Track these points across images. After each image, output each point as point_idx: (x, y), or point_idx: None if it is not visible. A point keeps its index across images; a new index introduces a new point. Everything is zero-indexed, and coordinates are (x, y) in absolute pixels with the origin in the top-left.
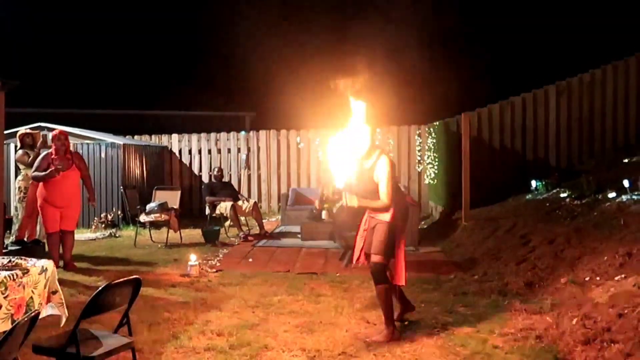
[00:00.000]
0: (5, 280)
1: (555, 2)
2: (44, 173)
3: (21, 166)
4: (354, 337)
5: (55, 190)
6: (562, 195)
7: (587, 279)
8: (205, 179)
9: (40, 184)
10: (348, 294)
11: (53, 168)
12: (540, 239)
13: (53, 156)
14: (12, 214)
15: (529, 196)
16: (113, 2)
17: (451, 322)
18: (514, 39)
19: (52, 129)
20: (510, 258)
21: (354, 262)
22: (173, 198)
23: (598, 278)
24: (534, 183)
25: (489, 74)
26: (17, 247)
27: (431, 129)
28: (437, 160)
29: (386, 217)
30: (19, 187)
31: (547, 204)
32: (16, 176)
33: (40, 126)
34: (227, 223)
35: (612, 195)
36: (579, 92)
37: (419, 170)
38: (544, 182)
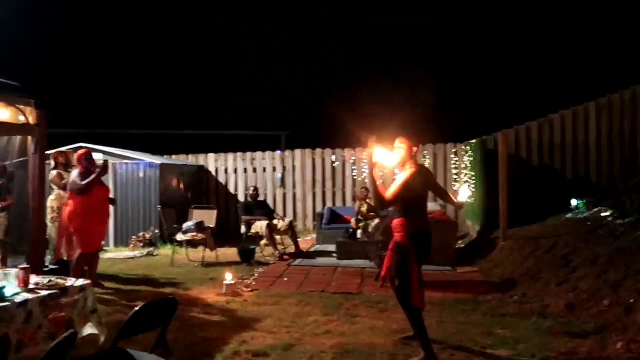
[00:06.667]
0: (45, 300)
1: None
2: (92, 176)
3: (54, 186)
4: (390, 359)
5: (101, 207)
6: (604, 214)
7: (631, 301)
8: (240, 197)
9: (83, 202)
10: (384, 315)
11: (96, 172)
12: (582, 259)
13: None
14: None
15: (569, 215)
16: (150, 24)
17: (490, 344)
18: (552, 57)
19: (92, 149)
20: (550, 279)
21: (380, 279)
22: (209, 217)
23: None
24: (574, 201)
25: (526, 91)
26: (56, 267)
27: (467, 147)
28: (474, 178)
29: (397, 236)
30: (51, 207)
31: (588, 223)
32: (48, 196)
33: (80, 146)
34: (263, 242)
35: None
36: (619, 108)
37: (456, 188)
38: (584, 201)
